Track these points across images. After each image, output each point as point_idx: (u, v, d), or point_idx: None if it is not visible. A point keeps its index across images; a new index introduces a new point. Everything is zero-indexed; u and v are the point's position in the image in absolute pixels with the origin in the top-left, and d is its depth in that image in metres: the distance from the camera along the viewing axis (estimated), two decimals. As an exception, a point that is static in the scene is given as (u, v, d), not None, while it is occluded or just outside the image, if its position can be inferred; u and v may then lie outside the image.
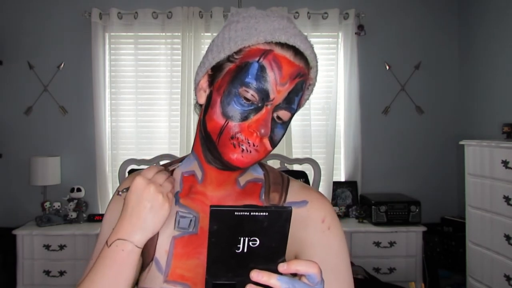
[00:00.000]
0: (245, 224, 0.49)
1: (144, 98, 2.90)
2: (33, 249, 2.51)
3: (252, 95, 0.61)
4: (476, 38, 2.79)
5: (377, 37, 2.93)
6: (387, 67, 2.94)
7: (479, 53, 2.76)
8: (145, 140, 2.89)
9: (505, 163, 1.95)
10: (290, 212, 0.50)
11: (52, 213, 2.70)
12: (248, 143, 0.63)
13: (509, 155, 1.93)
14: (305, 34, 0.69)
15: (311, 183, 2.35)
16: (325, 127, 2.87)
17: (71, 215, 2.68)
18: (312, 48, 0.66)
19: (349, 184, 2.92)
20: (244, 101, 0.62)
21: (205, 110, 0.67)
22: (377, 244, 2.57)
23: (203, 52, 2.87)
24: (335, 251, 0.69)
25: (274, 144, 0.66)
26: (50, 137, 2.89)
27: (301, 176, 2.35)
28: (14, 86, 2.87)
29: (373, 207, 2.60)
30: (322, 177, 2.39)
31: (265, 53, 0.62)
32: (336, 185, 2.90)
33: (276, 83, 0.62)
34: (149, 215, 0.62)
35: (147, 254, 0.69)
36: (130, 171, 2.24)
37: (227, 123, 0.62)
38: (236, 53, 0.64)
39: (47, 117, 2.88)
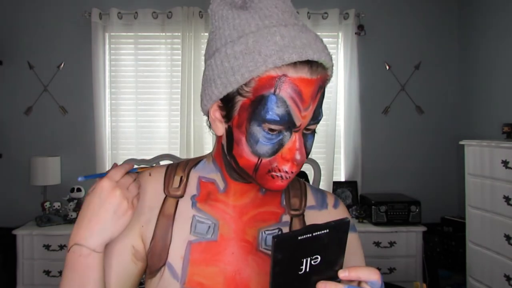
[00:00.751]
0: (308, 246, 0.48)
1: (144, 98, 2.90)
2: (33, 249, 2.51)
3: (276, 127, 0.58)
4: (476, 38, 2.79)
5: (377, 37, 2.93)
6: (387, 67, 2.94)
7: (479, 53, 2.76)
8: (145, 140, 2.89)
9: (505, 163, 1.95)
10: (348, 223, 0.50)
11: (52, 213, 2.70)
12: (286, 172, 0.60)
13: (509, 155, 1.93)
14: (308, 27, 0.61)
15: (311, 183, 2.35)
16: (325, 127, 2.87)
17: (71, 215, 2.68)
18: (324, 46, 0.59)
19: (349, 184, 2.91)
20: (270, 133, 0.58)
21: (229, 144, 0.63)
22: (377, 244, 2.57)
23: (203, 52, 2.87)
24: (354, 248, 0.72)
25: (308, 155, 0.63)
26: (50, 137, 2.89)
27: (301, 176, 2.35)
28: (14, 86, 2.87)
29: (373, 207, 2.60)
30: (322, 177, 2.40)
31: (279, 81, 0.55)
32: (336, 185, 2.89)
33: (299, 110, 0.57)
34: (110, 220, 0.60)
35: (157, 258, 0.67)
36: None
37: (261, 161, 0.60)
38: (245, 84, 0.58)
39: (47, 117, 2.88)
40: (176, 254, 0.66)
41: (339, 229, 0.50)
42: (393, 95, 2.96)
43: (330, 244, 0.49)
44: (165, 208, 0.69)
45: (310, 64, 0.56)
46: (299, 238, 0.47)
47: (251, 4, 0.60)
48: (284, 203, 0.73)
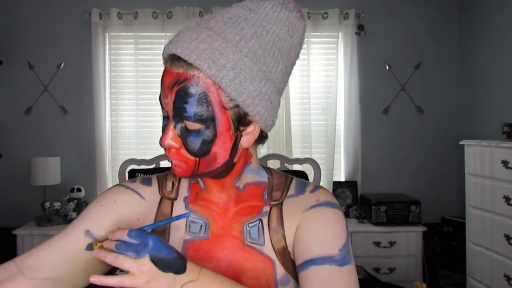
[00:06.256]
0: None
1: (144, 98, 2.90)
2: (33, 249, 2.50)
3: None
4: (476, 38, 2.79)
5: (377, 37, 2.93)
6: (387, 67, 2.94)
7: (479, 53, 2.76)
8: (145, 140, 2.88)
9: (505, 163, 1.95)
10: None
11: (52, 213, 2.70)
12: (170, 157, 0.65)
13: (509, 155, 1.93)
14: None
15: (311, 183, 2.34)
16: (325, 127, 2.87)
17: (71, 215, 2.68)
18: (197, 46, 0.58)
19: (349, 184, 2.92)
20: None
21: None
22: (377, 244, 2.57)
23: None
24: (322, 222, 0.69)
25: (193, 153, 0.63)
26: (50, 137, 2.89)
27: (301, 176, 2.35)
28: (14, 86, 2.87)
29: (373, 207, 2.60)
30: (322, 177, 2.39)
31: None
32: (336, 185, 2.89)
33: (163, 96, 0.63)
34: None
35: None
36: (130, 171, 2.24)
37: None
38: None
39: (47, 117, 2.88)
40: None
41: None
42: (393, 95, 2.96)
43: None
44: (162, 208, 0.74)
45: (173, 57, 0.61)
46: None
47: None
48: (266, 197, 0.74)
